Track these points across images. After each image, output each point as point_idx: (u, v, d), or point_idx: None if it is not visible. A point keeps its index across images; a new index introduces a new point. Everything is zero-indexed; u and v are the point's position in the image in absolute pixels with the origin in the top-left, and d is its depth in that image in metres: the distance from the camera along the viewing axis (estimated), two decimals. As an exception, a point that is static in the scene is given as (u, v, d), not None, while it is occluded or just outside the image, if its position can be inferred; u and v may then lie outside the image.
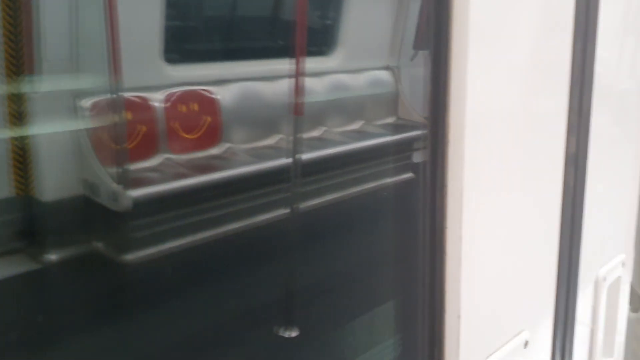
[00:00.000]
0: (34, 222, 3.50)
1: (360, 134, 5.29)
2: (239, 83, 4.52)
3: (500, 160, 0.92)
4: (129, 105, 3.77)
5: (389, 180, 5.03)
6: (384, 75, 5.76)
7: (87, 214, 3.59)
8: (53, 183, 3.49)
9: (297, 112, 3.66)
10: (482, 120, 0.87)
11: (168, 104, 4.07)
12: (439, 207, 0.85)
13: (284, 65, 3.82)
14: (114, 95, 3.46)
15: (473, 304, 0.90)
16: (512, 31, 0.91)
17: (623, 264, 1.35)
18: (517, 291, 1.02)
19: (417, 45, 5.77)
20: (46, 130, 3.48)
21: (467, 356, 0.90)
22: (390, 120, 5.74)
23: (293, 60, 3.64)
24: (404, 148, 5.26)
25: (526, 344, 1.02)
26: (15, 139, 3.47)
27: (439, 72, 0.82)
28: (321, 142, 4.93)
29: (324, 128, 5.14)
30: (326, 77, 5.24)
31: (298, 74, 3.71)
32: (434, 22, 0.81)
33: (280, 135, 4.71)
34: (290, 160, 3.71)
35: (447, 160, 0.84)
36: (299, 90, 3.68)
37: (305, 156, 3.82)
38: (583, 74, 1.07)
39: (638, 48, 1.35)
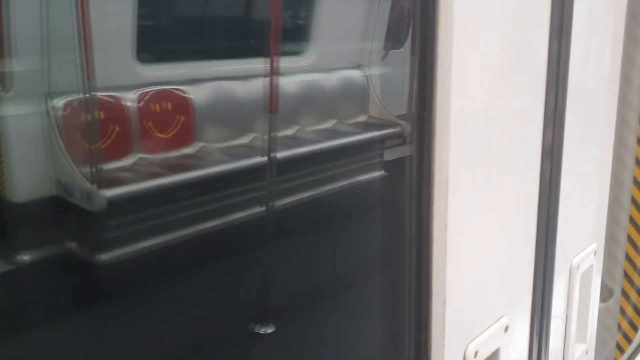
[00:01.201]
0: (5, 223, 3.45)
1: (333, 133, 5.33)
2: (213, 82, 4.52)
3: (483, 153, 0.96)
4: (102, 105, 3.74)
5: (361, 178, 5.09)
6: (356, 74, 5.81)
7: (61, 214, 3.55)
8: (25, 183, 3.44)
9: (272, 110, 3.68)
10: (466, 114, 0.91)
11: (141, 104, 4.05)
12: (426, 197, 0.89)
13: (258, 64, 3.84)
14: (87, 95, 3.43)
15: (458, 289, 0.94)
16: (493, 29, 0.95)
17: (595, 253, 1.41)
18: (498, 278, 1.06)
19: (388, 45, 5.85)
20: (17, 130, 3.43)
21: (452, 340, 0.94)
22: (361, 118, 5.80)
23: (266, 60, 3.66)
24: (375, 146, 5.33)
25: (506, 328, 1.07)
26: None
27: (425, 68, 0.86)
28: (295, 140, 4.95)
29: (297, 127, 5.17)
30: (298, 76, 5.26)
31: (272, 73, 3.74)
32: (419, 21, 0.85)
33: (254, 134, 4.72)
34: (264, 158, 3.74)
35: (434, 153, 0.88)
36: (273, 89, 3.70)
37: (280, 155, 3.84)
38: (558, 71, 1.13)
39: (606, 46, 1.41)
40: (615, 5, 1.37)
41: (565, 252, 1.27)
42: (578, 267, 1.32)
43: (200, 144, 4.38)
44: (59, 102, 3.54)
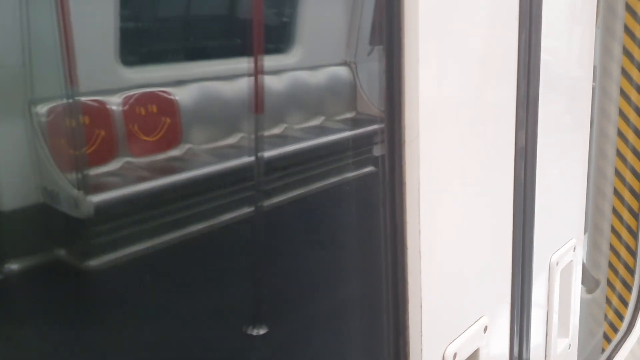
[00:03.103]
0: (-9, 232, 3.43)
1: (321, 130, 5.33)
2: (198, 83, 4.50)
3: (454, 155, 0.97)
4: (86, 109, 3.72)
5: (350, 174, 5.09)
6: (342, 70, 5.81)
7: (48, 221, 3.54)
8: (10, 192, 3.42)
9: (257, 110, 3.68)
10: (435, 116, 0.91)
11: (126, 107, 4.03)
12: (398, 203, 0.89)
13: (243, 64, 3.83)
14: (70, 100, 3.41)
15: (434, 293, 0.94)
16: (460, 26, 0.95)
17: (574, 249, 1.42)
18: (475, 279, 1.07)
19: (374, 41, 5.84)
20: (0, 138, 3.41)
21: (430, 343, 0.95)
22: (349, 115, 5.80)
23: (252, 59, 3.66)
24: (364, 142, 5.33)
25: (485, 329, 1.07)
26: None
27: (392, 69, 0.86)
28: (282, 139, 4.95)
29: (285, 125, 5.16)
30: (285, 74, 5.25)
31: (257, 73, 3.73)
32: (385, 20, 0.85)
33: (242, 134, 4.71)
34: (252, 158, 3.73)
35: (404, 158, 0.88)
36: (258, 88, 3.69)
37: (267, 154, 3.84)
38: (529, 66, 1.13)
39: (584, 36, 1.40)
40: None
41: (544, 249, 1.28)
42: (557, 264, 1.33)
43: (187, 146, 4.37)
44: (43, 109, 3.52)
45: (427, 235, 0.90)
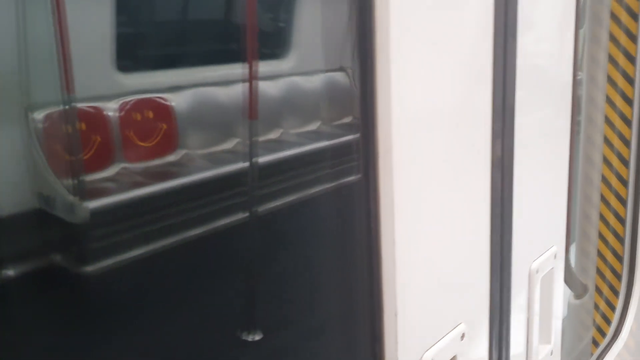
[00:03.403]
0: (-12, 238, 3.45)
1: (317, 135, 5.36)
2: (194, 89, 4.53)
3: (430, 165, 0.99)
4: (83, 115, 3.75)
5: (343, 180, 5.11)
6: (339, 76, 5.84)
7: (45, 227, 3.56)
8: (6, 198, 3.45)
9: (252, 116, 3.71)
10: (409, 127, 0.93)
11: (122, 113, 4.06)
12: (373, 213, 0.92)
13: (240, 69, 3.86)
14: (67, 107, 3.44)
15: (409, 302, 0.97)
16: (433, 36, 0.97)
17: (555, 256, 1.44)
18: (452, 287, 1.09)
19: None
20: (-3, 144, 3.44)
21: (406, 351, 0.97)
22: (346, 120, 5.82)
23: (247, 64, 3.68)
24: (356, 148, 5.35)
25: (463, 336, 1.10)
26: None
27: (365, 80, 0.89)
28: (278, 144, 4.98)
29: (281, 130, 5.19)
30: (281, 80, 5.28)
31: (251, 78, 3.76)
32: (357, 34, 0.88)
33: (238, 139, 4.74)
34: (247, 164, 3.76)
35: (378, 169, 0.91)
36: (252, 94, 3.72)
37: (262, 159, 3.87)
38: (505, 75, 1.15)
39: (564, 44, 1.41)
40: (563, 5, 1.38)
41: (523, 257, 1.31)
42: (538, 271, 1.35)
43: (183, 151, 4.40)
44: (39, 115, 3.55)
45: (402, 245, 0.93)
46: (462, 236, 1.10)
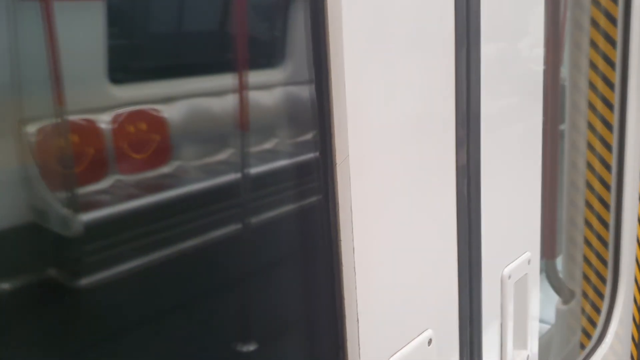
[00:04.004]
0: (-18, 252, 3.47)
1: (315, 145, 5.37)
2: (188, 100, 4.56)
3: (391, 173, 1.00)
4: (76, 128, 3.78)
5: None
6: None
7: (39, 241, 3.58)
8: (1, 211, 3.47)
9: (243, 127, 3.73)
10: (368, 136, 0.95)
11: (115, 125, 4.09)
12: (332, 222, 0.94)
13: (235, 79, 3.87)
14: (59, 120, 3.47)
15: (371, 308, 0.98)
16: (390, 45, 0.98)
17: (529, 262, 1.45)
18: (418, 293, 1.10)
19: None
20: (-9, 158, 3.46)
21: (369, 356, 0.98)
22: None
23: (243, 74, 3.70)
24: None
25: (430, 341, 1.11)
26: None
27: (321, 89, 0.90)
28: (273, 154, 5.00)
29: (276, 140, 5.21)
30: (275, 89, 5.31)
31: (242, 89, 3.78)
32: (310, 49, 0.89)
33: (232, 150, 4.76)
34: (239, 174, 3.77)
35: (336, 178, 0.92)
36: (243, 104, 3.74)
37: (255, 169, 3.88)
38: (468, 83, 1.15)
39: (531, 50, 1.41)
40: (528, 10, 1.38)
41: (494, 263, 1.31)
42: (510, 277, 1.36)
43: (177, 163, 4.41)
44: (32, 128, 3.57)
45: (362, 252, 0.94)
46: (427, 243, 1.11)
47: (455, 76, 1.11)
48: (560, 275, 2.43)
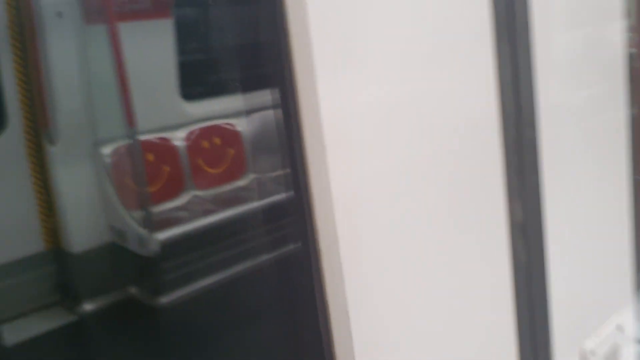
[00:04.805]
0: (66, 275, 3.49)
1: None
2: (257, 113, 4.47)
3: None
4: (150, 147, 3.76)
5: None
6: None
7: (118, 260, 3.57)
8: (80, 234, 3.48)
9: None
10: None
11: (190, 142, 4.05)
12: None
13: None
14: (132, 140, 3.45)
15: None
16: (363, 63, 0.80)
17: (620, 327, 1.16)
18: None
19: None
20: (69, 181, 3.48)
21: None
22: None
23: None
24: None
25: None
26: (40, 192, 3.48)
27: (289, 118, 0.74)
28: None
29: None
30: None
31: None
32: (276, 81, 0.74)
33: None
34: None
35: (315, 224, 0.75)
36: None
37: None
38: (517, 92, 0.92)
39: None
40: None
41: (568, 337, 1.03)
42: (594, 353, 1.06)
43: (252, 175, 4.33)
44: (107, 149, 3.57)
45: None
46: (475, 320, 0.87)
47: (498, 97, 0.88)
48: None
